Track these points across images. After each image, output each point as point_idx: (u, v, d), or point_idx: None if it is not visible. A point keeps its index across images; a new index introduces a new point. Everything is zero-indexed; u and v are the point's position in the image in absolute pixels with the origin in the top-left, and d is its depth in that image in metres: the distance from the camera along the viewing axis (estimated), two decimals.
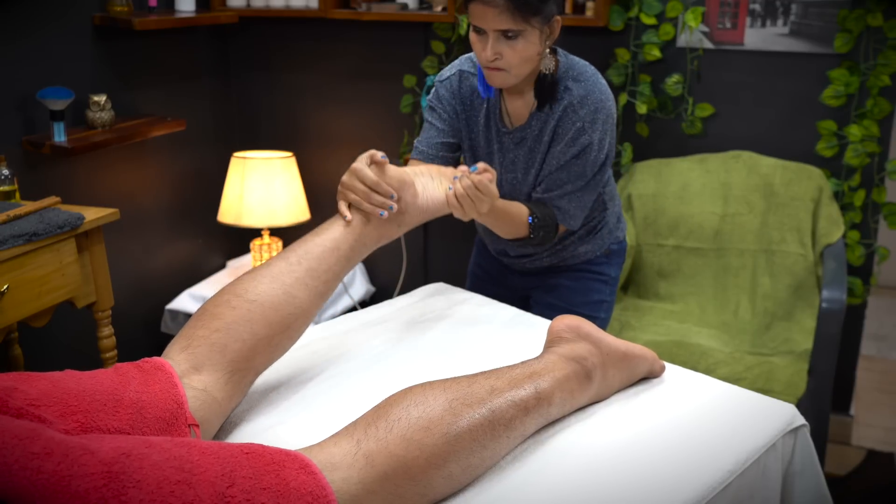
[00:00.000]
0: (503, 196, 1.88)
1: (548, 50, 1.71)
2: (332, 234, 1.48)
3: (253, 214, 3.03)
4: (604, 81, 1.77)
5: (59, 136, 2.47)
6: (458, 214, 1.59)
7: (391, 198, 1.52)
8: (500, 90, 1.81)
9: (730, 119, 2.85)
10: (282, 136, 3.41)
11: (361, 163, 1.52)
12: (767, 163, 2.75)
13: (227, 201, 3.09)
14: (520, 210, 1.76)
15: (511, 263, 2.07)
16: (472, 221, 2.11)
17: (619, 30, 2.85)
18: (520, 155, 1.84)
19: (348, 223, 1.51)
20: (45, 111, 2.48)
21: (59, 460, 0.94)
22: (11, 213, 1.99)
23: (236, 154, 3.13)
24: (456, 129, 1.87)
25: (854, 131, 2.68)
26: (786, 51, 2.74)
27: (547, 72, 1.73)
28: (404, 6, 3.00)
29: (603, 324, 2.04)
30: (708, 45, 2.81)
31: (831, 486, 1.52)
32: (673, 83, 2.84)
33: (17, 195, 2.23)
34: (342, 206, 1.53)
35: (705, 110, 2.85)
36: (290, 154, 3.15)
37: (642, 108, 2.84)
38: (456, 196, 1.56)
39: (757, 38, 2.75)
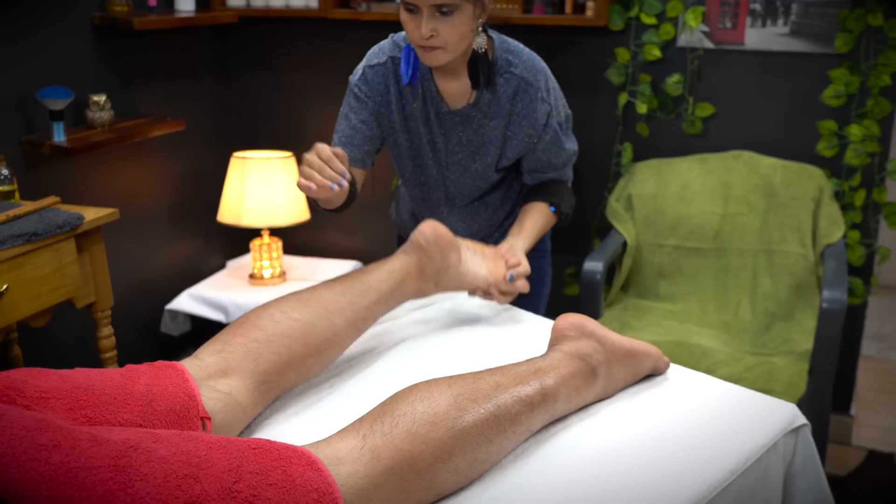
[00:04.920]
0: (467, 182, 1.92)
1: (479, 28, 1.73)
2: (377, 276, 1.54)
3: (252, 214, 3.03)
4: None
5: (59, 135, 2.46)
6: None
7: (343, 176, 1.53)
8: (432, 75, 1.80)
9: (730, 119, 2.85)
10: (282, 136, 3.41)
11: (322, 144, 1.55)
12: (768, 163, 2.75)
13: (226, 201, 3.09)
14: (542, 210, 1.86)
15: None
16: (402, 215, 2.16)
17: (620, 30, 2.85)
18: (467, 134, 1.85)
19: (335, 189, 1.53)
20: (44, 111, 2.48)
21: (66, 452, 0.94)
22: (11, 213, 1.98)
23: (236, 154, 3.13)
24: (380, 119, 1.87)
25: (854, 131, 2.68)
26: (786, 51, 2.74)
27: (480, 50, 1.74)
28: None
29: (545, 297, 2.14)
30: (708, 44, 2.81)
31: (832, 487, 1.52)
32: (673, 83, 2.84)
33: (17, 195, 2.23)
34: (300, 181, 1.54)
35: (705, 110, 2.85)
36: (289, 154, 3.15)
37: (642, 108, 2.84)
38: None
39: (757, 37, 2.75)
